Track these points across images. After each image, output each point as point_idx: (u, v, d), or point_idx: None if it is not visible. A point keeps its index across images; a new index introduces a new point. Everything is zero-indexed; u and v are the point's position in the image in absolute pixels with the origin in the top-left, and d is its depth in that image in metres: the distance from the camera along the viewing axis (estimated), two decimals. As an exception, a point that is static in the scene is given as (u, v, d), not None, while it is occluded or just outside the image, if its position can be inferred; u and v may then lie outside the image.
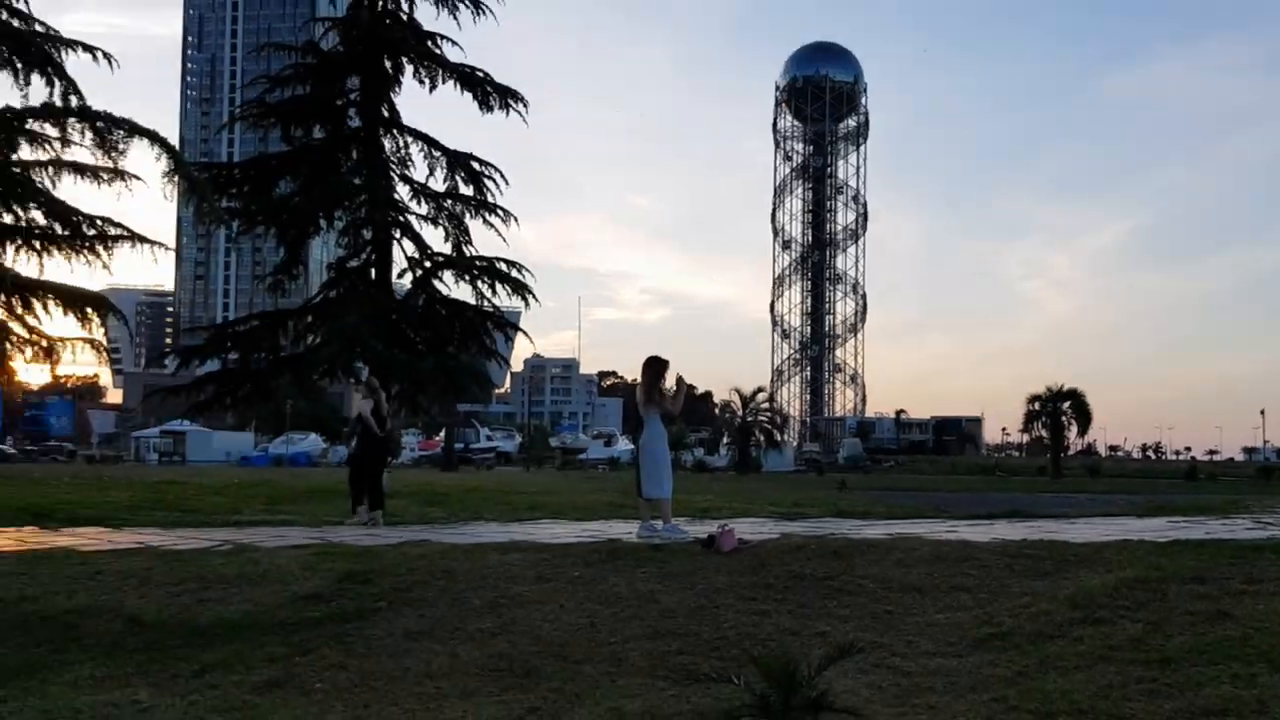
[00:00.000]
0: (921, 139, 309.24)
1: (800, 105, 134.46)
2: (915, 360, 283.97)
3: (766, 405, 70.07)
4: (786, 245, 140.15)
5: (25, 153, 14.72)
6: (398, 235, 29.69)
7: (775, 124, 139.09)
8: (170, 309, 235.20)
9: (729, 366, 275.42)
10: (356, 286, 29.94)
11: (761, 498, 27.17)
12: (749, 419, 65.74)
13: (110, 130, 9.41)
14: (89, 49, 23.41)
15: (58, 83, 14.53)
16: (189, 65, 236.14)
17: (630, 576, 9.90)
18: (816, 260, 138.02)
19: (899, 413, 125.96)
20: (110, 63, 23.66)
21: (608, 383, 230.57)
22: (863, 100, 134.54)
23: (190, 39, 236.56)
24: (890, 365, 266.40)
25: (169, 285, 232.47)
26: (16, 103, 16.52)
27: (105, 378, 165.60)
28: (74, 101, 10.56)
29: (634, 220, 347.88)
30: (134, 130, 9.98)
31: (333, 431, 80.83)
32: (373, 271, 29.84)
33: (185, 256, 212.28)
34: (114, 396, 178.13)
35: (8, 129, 9.10)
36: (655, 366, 13.69)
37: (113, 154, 9.56)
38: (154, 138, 10.34)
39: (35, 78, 14.61)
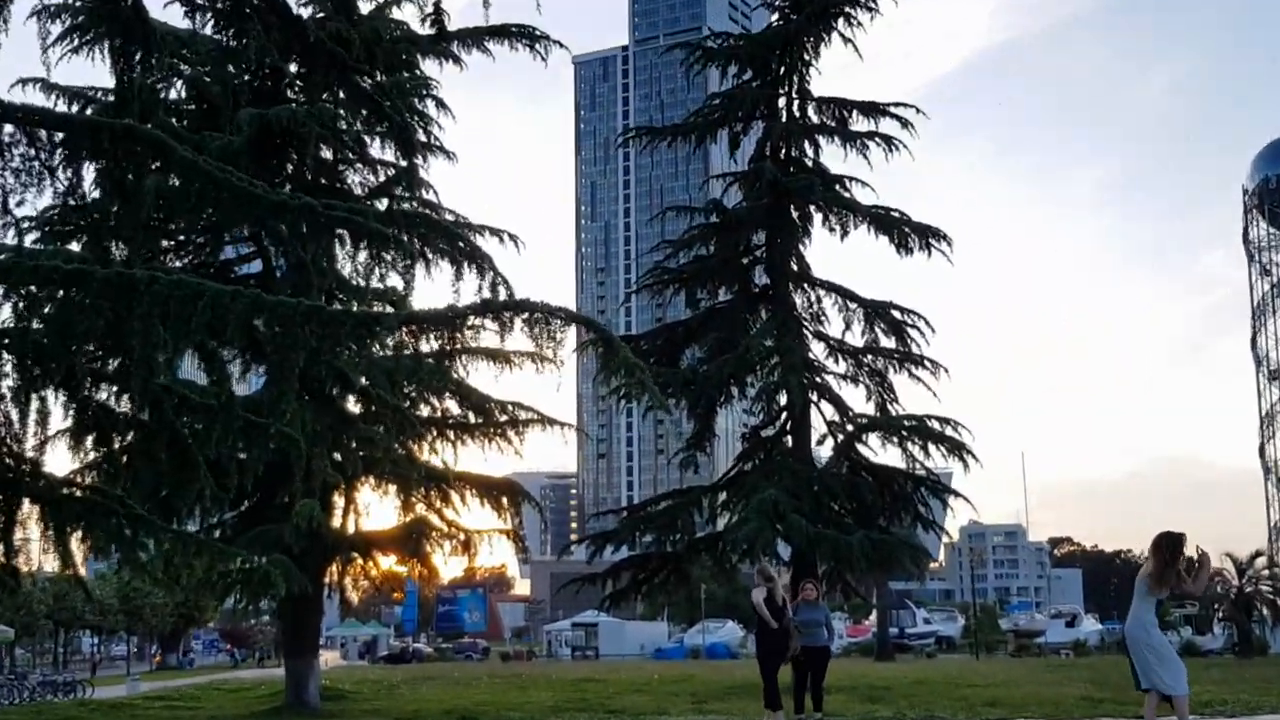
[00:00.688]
0: None
1: (1276, 209, 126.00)
2: None
3: (1267, 571, 64.30)
4: (1274, 376, 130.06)
5: (428, 342, 16.26)
6: (815, 398, 30.26)
7: (1246, 233, 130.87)
8: (574, 491, 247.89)
9: (1210, 525, 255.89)
10: (773, 456, 30.57)
11: (1276, 688, 24.90)
12: (1247, 589, 60.58)
13: (548, 320, 10.30)
14: (495, 232, 25.99)
15: (487, 274, 16.21)
16: (583, 235, 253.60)
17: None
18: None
19: None
20: (516, 244, 26.16)
21: (1061, 551, 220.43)
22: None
23: (583, 208, 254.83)
24: None
25: (570, 466, 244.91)
26: (449, 298, 18.46)
27: (513, 567, 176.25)
28: (502, 292, 11.76)
29: (1077, 360, 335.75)
30: (570, 318, 10.86)
31: (750, 618, 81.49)
32: (789, 439, 30.42)
33: (586, 435, 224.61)
34: (520, 586, 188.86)
35: (449, 327, 10.22)
36: (1172, 545, 12.79)
37: (549, 343, 10.49)
38: (589, 324, 11.23)
39: (466, 270, 16.33)
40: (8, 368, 10.96)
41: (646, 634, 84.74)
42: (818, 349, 30.82)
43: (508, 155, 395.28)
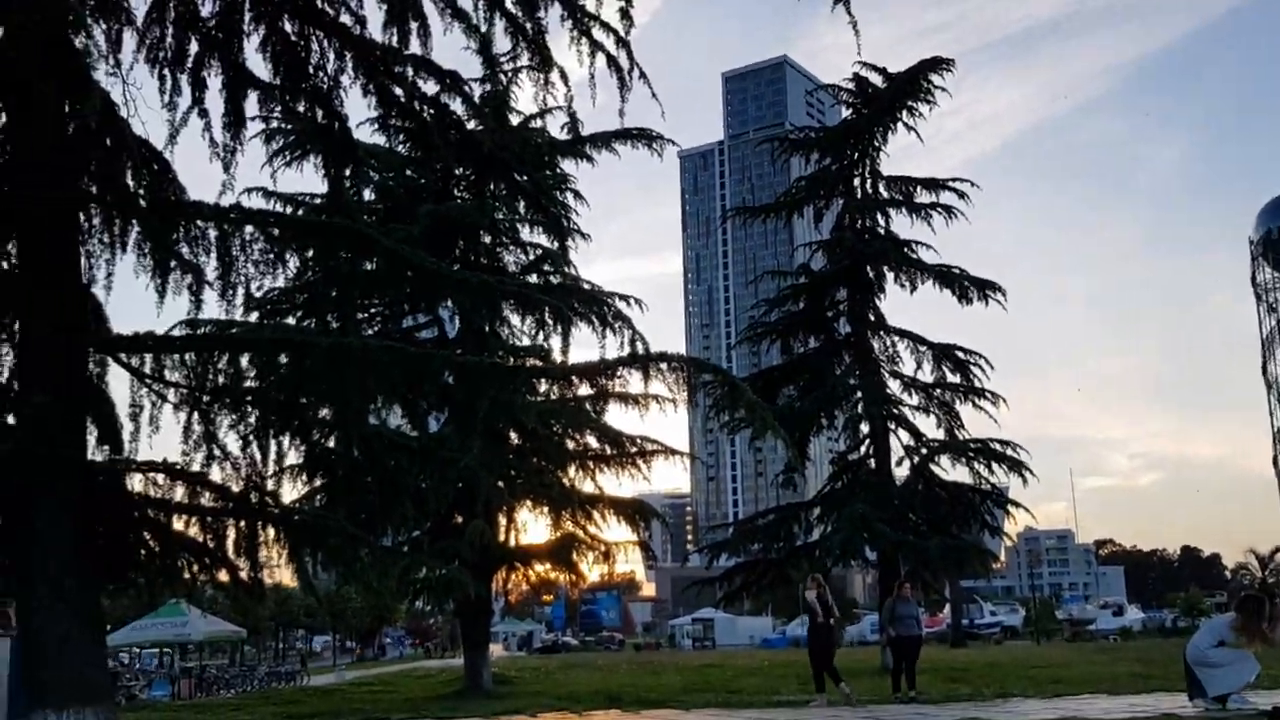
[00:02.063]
0: None
1: (1279, 256, 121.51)
2: None
3: (1286, 564, 61.79)
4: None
5: (584, 389, 16.55)
6: (893, 426, 30.02)
7: (1254, 277, 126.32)
8: (688, 508, 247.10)
9: (1232, 526, 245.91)
10: (859, 477, 30.35)
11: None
12: (1270, 579, 58.24)
13: (684, 368, 10.45)
14: (624, 297, 26.20)
15: (626, 332, 16.63)
16: (690, 298, 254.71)
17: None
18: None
19: None
20: (640, 307, 26.34)
21: (1105, 551, 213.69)
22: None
23: (689, 274, 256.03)
24: None
25: (684, 488, 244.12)
26: (595, 353, 18.80)
27: (640, 573, 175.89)
28: (640, 347, 11.96)
29: (1114, 386, 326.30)
30: (701, 367, 11.01)
31: (844, 614, 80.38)
32: (872, 461, 30.19)
33: (698, 462, 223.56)
34: (646, 589, 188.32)
35: (601, 376, 10.40)
36: (1259, 606, 12.45)
37: (682, 388, 10.63)
38: (715, 370, 11.34)
39: (609, 330, 16.73)
40: (252, 419, 11.42)
41: (755, 627, 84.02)
42: (894, 385, 30.63)
43: (627, 232, 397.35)
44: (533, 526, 27.35)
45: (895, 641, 18.21)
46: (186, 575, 12.30)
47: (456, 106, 21.47)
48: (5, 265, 11.36)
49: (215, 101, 11.90)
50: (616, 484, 27.08)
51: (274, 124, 21.33)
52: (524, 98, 26.93)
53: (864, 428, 30.15)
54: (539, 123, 27.47)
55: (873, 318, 30.78)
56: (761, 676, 26.23)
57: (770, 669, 29.48)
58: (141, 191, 11.38)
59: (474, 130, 24.85)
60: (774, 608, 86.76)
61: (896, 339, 30.56)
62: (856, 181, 31.38)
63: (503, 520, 26.40)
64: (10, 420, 11.02)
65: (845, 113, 32.50)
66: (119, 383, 11.46)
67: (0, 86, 10.92)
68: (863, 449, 30.52)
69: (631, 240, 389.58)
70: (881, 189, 31.33)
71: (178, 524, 11.87)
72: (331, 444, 12.31)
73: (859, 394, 30.08)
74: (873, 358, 30.49)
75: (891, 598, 19.03)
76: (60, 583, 9.93)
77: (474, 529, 22.36)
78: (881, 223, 31.15)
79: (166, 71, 11.60)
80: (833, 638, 18.08)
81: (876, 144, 31.00)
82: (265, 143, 23.00)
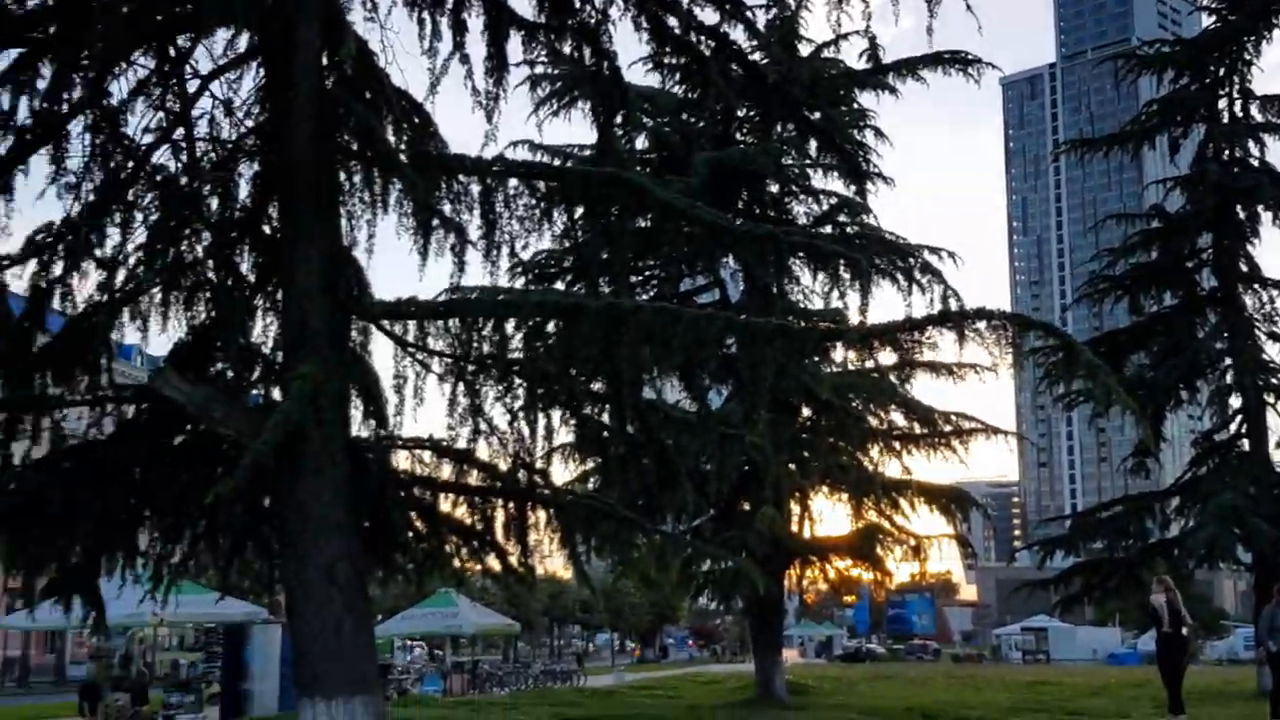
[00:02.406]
0: None
1: None
2: None
3: None
4: None
5: (886, 356, 16.33)
6: (1272, 400, 28.28)
7: None
8: (1015, 499, 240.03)
9: None
10: (1229, 461, 28.74)
11: None
12: None
13: (1007, 328, 10.01)
14: (934, 250, 25.65)
15: (937, 287, 16.40)
16: (1015, 250, 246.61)
17: None
18: None
19: None
20: (955, 261, 25.68)
21: None
22: None
23: (1014, 223, 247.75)
24: None
25: (1010, 475, 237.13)
26: (898, 314, 18.43)
27: (958, 572, 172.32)
28: (953, 304, 11.56)
29: None
30: (1028, 324, 10.55)
31: (1208, 625, 76.11)
32: (1246, 442, 28.51)
33: (1027, 444, 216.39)
34: (965, 592, 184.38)
35: (908, 338, 10.14)
36: None
37: (1006, 350, 10.18)
38: (1047, 329, 10.82)
39: (917, 286, 16.54)
40: (520, 391, 11.89)
41: (1098, 639, 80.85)
42: (1273, 350, 28.86)
43: (936, 175, 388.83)
44: (829, 515, 27.38)
45: (1276, 658, 17.21)
46: (455, 561, 12.95)
47: (738, 36, 21.54)
48: (266, 230, 12.30)
49: (475, 46, 12.38)
50: (928, 468, 26.70)
51: (539, 69, 22.05)
52: (815, 22, 26.87)
53: (1235, 401, 28.71)
54: (832, 51, 27.28)
55: (1245, 268, 29.06)
56: (1108, 697, 25.27)
57: (1118, 688, 28.38)
58: (403, 147, 12.00)
59: (758, 63, 24.87)
60: (1121, 617, 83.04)
61: (1275, 293, 28.69)
62: (1223, 103, 29.71)
63: (795, 507, 26.48)
64: (276, 394, 11.92)
65: (1207, 21, 30.88)
66: (381, 353, 12.17)
67: (262, 40, 11.76)
68: (1233, 427, 29.02)
69: (944, 184, 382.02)
70: (1254, 111, 29.58)
71: (444, 505, 12.53)
72: (604, 420, 12.67)
73: (1228, 361, 28.60)
74: (1245, 317, 28.76)
75: (1270, 605, 18.03)
76: (331, 568, 10.63)
77: (763, 516, 22.55)
78: (1255, 152, 29.31)
79: (425, 14, 12.14)
80: (1185, 650, 17.38)
81: (1248, 57, 29.31)
82: (530, 90, 23.77)
